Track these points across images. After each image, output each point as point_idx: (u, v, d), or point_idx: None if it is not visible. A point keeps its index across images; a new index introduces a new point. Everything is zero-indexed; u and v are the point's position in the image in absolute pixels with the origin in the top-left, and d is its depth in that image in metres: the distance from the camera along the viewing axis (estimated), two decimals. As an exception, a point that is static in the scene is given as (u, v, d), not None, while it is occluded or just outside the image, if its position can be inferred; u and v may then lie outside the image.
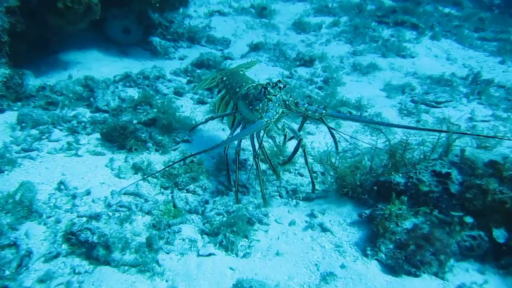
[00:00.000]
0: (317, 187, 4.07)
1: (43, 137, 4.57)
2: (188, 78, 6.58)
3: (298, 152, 4.10)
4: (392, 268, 3.01)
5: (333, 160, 4.11)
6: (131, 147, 4.40)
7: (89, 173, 4.01)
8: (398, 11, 10.40)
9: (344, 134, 3.69)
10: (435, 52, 8.72)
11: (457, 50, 9.02)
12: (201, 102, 5.88)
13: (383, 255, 3.09)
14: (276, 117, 3.41)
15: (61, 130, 4.75)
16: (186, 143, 4.75)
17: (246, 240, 3.38)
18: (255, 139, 3.70)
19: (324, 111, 3.36)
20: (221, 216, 3.61)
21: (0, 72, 5.22)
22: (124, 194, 3.76)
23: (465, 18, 11.43)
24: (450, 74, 7.32)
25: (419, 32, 9.55)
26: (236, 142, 3.82)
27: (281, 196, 3.96)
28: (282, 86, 3.53)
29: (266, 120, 3.29)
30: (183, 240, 3.34)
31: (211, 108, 5.61)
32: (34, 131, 4.65)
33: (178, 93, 5.98)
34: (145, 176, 4.01)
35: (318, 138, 5.01)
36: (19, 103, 5.24)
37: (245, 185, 4.01)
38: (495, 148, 4.26)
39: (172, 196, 3.79)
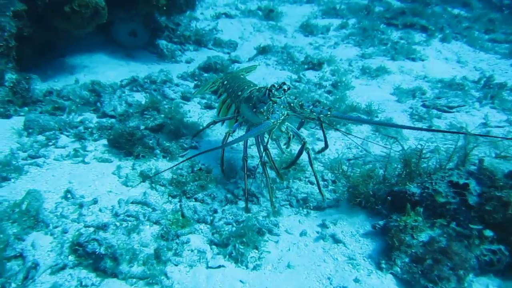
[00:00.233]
0: (328, 195, 3.98)
1: (50, 143, 4.52)
2: (195, 82, 6.52)
3: (307, 160, 4.02)
4: (408, 283, 2.92)
5: (345, 168, 4.03)
6: (139, 154, 4.33)
7: (96, 181, 3.95)
8: (407, 13, 10.27)
9: (352, 136, 3.60)
10: (446, 54, 8.59)
11: (468, 52, 8.88)
12: (208, 106, 5.80)
13: (399, 269, 2.99)
14: (282, 119, 3.39)
15: (67, 136, 4.70)
16: (193, 150, 4.67)
17: (256, 251, 3.30)
18: (260, 144, 3.66)
19: (329, 113, 3.29)
20: (230, 225, 3.53)
21: (7, 77, 5.19)
22: (132, 203, 3.68)
23: (475, 19, 11.26)
24: (462, 78, 7.19)
25: (429, 34, 9.42)
26: (242, 146, 3.76)
27: (291, 205, 3.87)
28: (286, 88, 3.51)
29: (273, 121, 3.27)
30: (192, 251, 3.26)
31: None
32: (40, 137, 4.60)
33: (186, 97, 5.91)
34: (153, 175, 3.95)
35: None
36: (26, 108, 5.20)
37: (255, 194, 3.93)
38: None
39: (180, 205, 3.71)
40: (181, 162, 4.05)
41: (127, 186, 3.94)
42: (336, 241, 3.39)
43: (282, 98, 3.46)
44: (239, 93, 4.05)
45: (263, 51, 7.90)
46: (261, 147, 3.65)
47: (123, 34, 7.25)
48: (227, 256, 3.21)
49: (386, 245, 3.18)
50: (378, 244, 3.29)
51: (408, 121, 5.73)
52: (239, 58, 7.66)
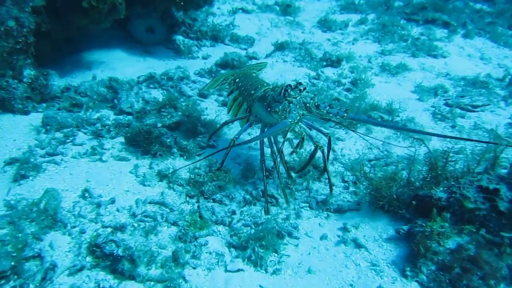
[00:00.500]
0: (348, 198, 3.88)
1: (68, 140, 4.50)
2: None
3: (329, 161, 3.92)
4: (434, 292, 2.81)
5: (366, 170, 3.91)
6: (156, 153, 4.28)
7: (113, 180, 3.91)
8: (428, 8, 10.00)
9: (371, 137, 3.49)
10: (468, 51, 8.33)
11: (491, 49, 8.60)
12: (225, 104, 5.72)
13: (424, 277, 2.88)
14: (298, 119, 3.34)
15: (85, 133, 4.68)
16: (211, 148, 4.60)
17: (276, 255, 3.22)
18: (274, 145, 3.65)
19: (345, 115, 3.21)
20: (249, 227, 3.46)
21: (26, 73, 5.19)
22: (149, 203, 3.64)
23: (498, 14, 10.90)
24: (486, 75, 6.95)
25: (451, 30, 9.15)
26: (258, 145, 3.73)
27: (311, 207, 3.78)
28: (302, 88, 3.45)
29: (290, 121, 3.23)
30: (210, 253, 3.20)
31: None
32: (58, 134, 4.59)
33: (203, 95, 5.84)
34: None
35: (348, 145, 4.79)
36: (44, 105, 5.20)
37: (274, 195, 3.85)
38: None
39: (198, 206, 3.65)
40: (195, 162, 3.99)
41: (144, 185, 3.89)
42: (358, 245, 3.29)
43: (297, 98, 3.41)
44: (252, 91, 4.00)
45: (280, 47, 7.77)
46: (274, 147, 3.64)
47: (140, 30, 7.21)
48: (246, 260, 3.14)
49: (411, 251, 3.07)
50: (402, 250, 3.18)
51: (430, 121, 5.56)
52: (256, 54, 7.54)
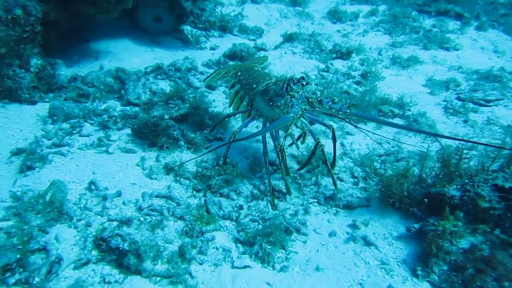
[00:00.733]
0: (358, 194, 3.81)
1: (74, 131, 4.46)
2: (220, 70, 6.35)
3: (338, 156, 3.85)
4: (446, 293, 2.74)
5: (377, 166, 3.83)
6: (163, 145, 4.23)
7: (120, 172, 3.87)
8: (440, -1, 9.80)
9: (377, 134, 3.40)
10: (481, 43, 8.15)
11: (506, 41, 8.40)
12: (233, 96, 5.64)
13: (436, 277, 2.81)
14: (300, 113, 3.30)
15: (92, 124, 4.63)
16: (218, 141, 4.54)
17: (284, 251, 3.17)
18: (276, 139, 3.61)
19: (348, 111, 3.15)
20: (256, 223, 3.41)
21: (33, 63, 5.14)
22: (156, 196, 3.59)
23: (512, 6, 10.68)
24: (499, 69, 6.80)
25: (464, 22, 8.96)
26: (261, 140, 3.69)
27: (319, 203, 3.71)
28: (304, 83, 3.40)
29: (292, 115, 3.20)
30: (217, 249, 3.16)
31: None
32: (65, 125, 4.55)
33: (210, 86, 5.77)
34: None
35: (357, 139, 4.71)
36: (51, 95, 5.16)
37: (281, 190, 3.78)
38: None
39: (205, 200, 3.60)
40: (201, 155, 3.94)
41: (151, 178, 3.85)
42: (368, 243, 3.23)
43: (300, 92, 3.37)
44: (254, 85, 3.94)
45: (289, 38, 7.65)
46: (276, 141, 3.59)
47: (148, 19, 7.12)
48: (253, 256, 3.09)
49: (422, 250, 3.00)
50: (413, 249, 3.12)
51: (442, 115, 5.45)
52: (265, 45, 7.43)
